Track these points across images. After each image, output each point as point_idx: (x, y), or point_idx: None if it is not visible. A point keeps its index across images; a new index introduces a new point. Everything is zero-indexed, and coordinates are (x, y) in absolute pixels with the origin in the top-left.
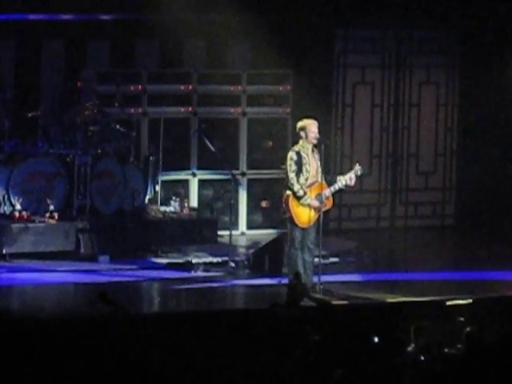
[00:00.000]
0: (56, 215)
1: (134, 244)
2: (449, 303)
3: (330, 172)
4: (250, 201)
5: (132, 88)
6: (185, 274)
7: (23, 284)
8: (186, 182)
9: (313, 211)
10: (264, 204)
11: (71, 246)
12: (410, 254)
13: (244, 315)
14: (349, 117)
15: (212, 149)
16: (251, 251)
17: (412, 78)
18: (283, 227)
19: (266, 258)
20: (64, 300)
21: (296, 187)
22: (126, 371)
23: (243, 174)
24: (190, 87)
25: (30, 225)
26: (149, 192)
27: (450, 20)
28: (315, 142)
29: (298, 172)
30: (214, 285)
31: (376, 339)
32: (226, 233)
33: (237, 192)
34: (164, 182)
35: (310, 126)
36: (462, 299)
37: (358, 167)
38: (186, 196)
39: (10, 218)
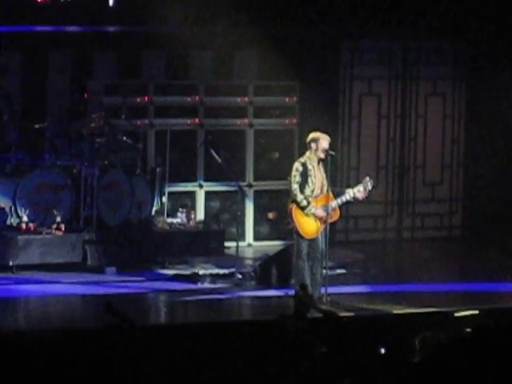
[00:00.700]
0: (63, 227)
1: (140, 255)
2: (456, 314)
3: (337, 184)
4: (256, 212)
5: (139, 100)
6: (191, 286)
7: (30, 296)
8: (192, 194)
9: (318, 222)
10: (271, 215)
11: (78, 257)
12: (416, 265)
13: (251, 327)
14: (355, 128)
15: (218, 160)
16: (258, 263)
17: (419, 90)
18: (290, 238)
19: (274, 269)
20: (71, 312)
21: (299, 197)
22: (132, 383)
23: (250, 186)
24: (197, 99)
25: (37, 236)
26: (155, 203)
27: (456, 32)
28: (323, 156)
29: (304, 183)
30: (221, 296)
31: (383, 350)
32: (232, 244)
33: (243, 203)
34: (171, 194)
35: (322, 140)
36: (469, 310)
37: (368, 180)
38: (192, 207)
39: (16, 229)
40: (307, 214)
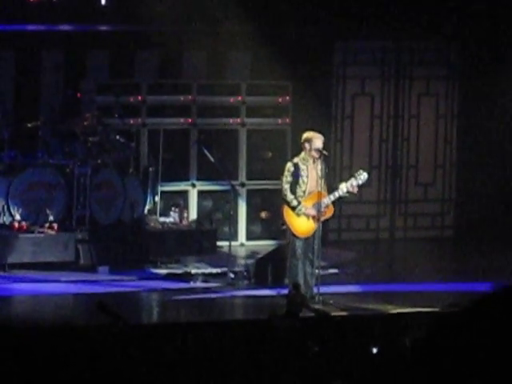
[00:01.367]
0: (55, 226)
1: (133, 255)
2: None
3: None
4: (249, 212)
5: (132, 99)
6: (184, 285)
7: (22, 294)
8: (185, 193)
9: (311, 220)
10: (263, 215)
11: (70, 256)
12: (409, 265)
13: (243, 326)
14: (348, 128)
15: (211, 159)
16: (251, 262)
17: (411, 90)
18: (283, 238)
19: (268, 268)
20: (63, 310)
21: (289, 198)
22: (124, 382)
23: (242, 185)
24: (190, 98)
25: (30, 235)
26: (148, 203)
27: (449, 32)
28: (317, 156)
29: (295, 184)
30: (214, 295)
31: (375, 350)
32: (225, 243)
33: (236, 203)
34: (163, 193)
35: (316, 140)
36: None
37: (361, 173)
38: (185, 207)
39: (9, 228)
40: (298, 214)
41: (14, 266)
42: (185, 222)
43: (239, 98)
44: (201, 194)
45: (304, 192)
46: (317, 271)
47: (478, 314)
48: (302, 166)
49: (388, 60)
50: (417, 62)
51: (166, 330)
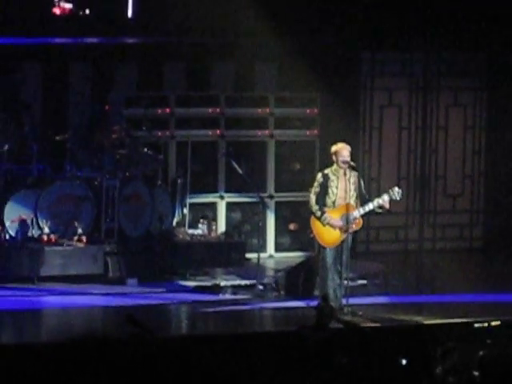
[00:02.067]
0: (84, 238)
1: (161, 267)
2: (477, 325)
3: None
4: (277, 223)
5: (160, 111)
6: (213, 297)
7: (52, 307)
8: (213, 205)
9: (338, 231)
10: (292, 226)
11: (99, 269)
12: (438, 276)
13: (272, 338)
14: (376, 139)
15: (240, 171)
16: (279, 274)
17: (439, 101)
18: (311, 249)
19: (298, 280)
20: (92, 323)
21: (314, 208)
22: None
23: (271, 197)
24: (218, 110)
25: (58, 248)
26: (177, 215)
27: (477, 42)
28: (344, 166)
29: (325, 194)
30: (242, 308)
31: (404, 361)
32: (254, 255)
33: (265, 215)
34: (192, 205)
35: (341, 150)
36: (490, 321)
37: (396, 191)
38: (213, 219)
39: (38, 241)
40: (323, 225)
41: (43, 279)
42: (213, 234)
43: (267, 110)
44: (229, 205)
45: (334, 203)
46: (345, 282)
47: None
48: (332, 177)
49: (415, 71)
50: (444, 73)
51: (195, 343)
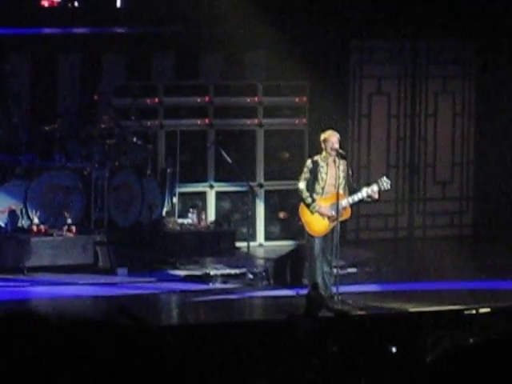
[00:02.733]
0: (74, 228)
1: (151, 256)
2: (467, 312)
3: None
4: (267, 212)
5: (148, 101)
6: (203, 286)
7: (41, 298)
8: (203, 194)
9: (326, 220)
10: (281, 215)
11: (89, 259)
12: (427, 263)
13: (262, 327)
14: (365, 127)
15: (229, 160)
16: (270, 262)
17: (428, 88)
18: (301, 238)
19: (287, 268)
20: (83, 313)
21: (304, 194)
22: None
23: (260, 186)
24: (207, 99)
25: (48, 238)
26: (166, 204)
27: (465, 30)
28: (333, 153)
29: (314, 180)
30: (232, 297)
31: (394, 349)
32: (243, 244)
33: (254, 203)
34: (181, 195)
35: (329, 137)
36: (480, 308)
37: (384, 180)
38: (203, 208)
39: (28, 231)
40: (312, 212)
41: (32, 270)
42: (203, 224)
43: (256, 99)
44: (219, 195)
45: (322, 189)
46: (335, 271)
47: None
48: (321, 163)
49: (404, 59)
50: (433, 61)
51: (185, 332)
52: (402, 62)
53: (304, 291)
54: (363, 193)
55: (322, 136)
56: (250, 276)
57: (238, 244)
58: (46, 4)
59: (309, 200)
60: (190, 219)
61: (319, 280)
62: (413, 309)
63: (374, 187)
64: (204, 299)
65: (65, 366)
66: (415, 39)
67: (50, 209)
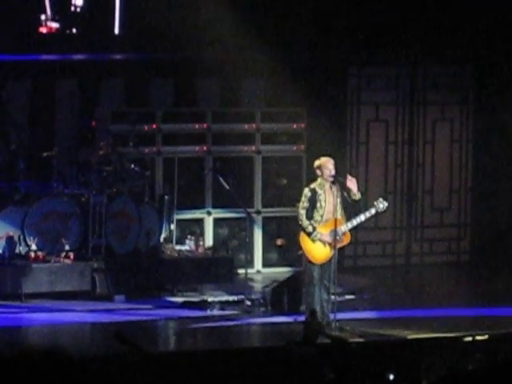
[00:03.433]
0: (71, 255)
1: (149, 283)
2: (465, 339)
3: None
4: (265, 239)
5: (146, 127)
6: (201, 313)
7: (39, 324)
8: (201, 221)
9: (328, 247)
10: (279, 242)
11: (87, 285)
12: (425, 290)
13: (260, 353)
14: (363, 154)
15: (227, 187)
16: (267, 289)
17: (426, 115)
18: (299, 265)
19: (285, 295)
20: (80, 340)
21: (305, 223)
22: None
23: (258, 212)
24: (205, 126)
25: (46, 265)
26: (164, 231)
27: (463, 56)
28: (330, 179)
29: (313, 209)
30: (230, 323)
31: (391, 376)
32: (241, 271)
33: (252, 230)
34: (179, 221)
35: (326, 163)
36: (478, 335)
37: (381, 201)
38: (201, 235)
39: (25, 258)
40: (314, 241)
41: (30, 296)
42: (201, 250)
43: (254, 126)
44: (216, 221)
45: (322, 216)
46: (333, 297)
47: None
48: (319, 191)
49: (402, 85)
50: (431, 88)
51: (183, 358)
52: (399, 88)
53: (302, 318)
54: (361, 217)
55: (317, 162)
56: (248, 303)
57: (236, 271)
58: (44, 31)
59: (310, 229)
60: (188, 246)
61: (317, 307)
62: (411, 336)
63: (372, 211)
64: (202, 326)
65: None
66: (413, 66)
67: (48, 235)
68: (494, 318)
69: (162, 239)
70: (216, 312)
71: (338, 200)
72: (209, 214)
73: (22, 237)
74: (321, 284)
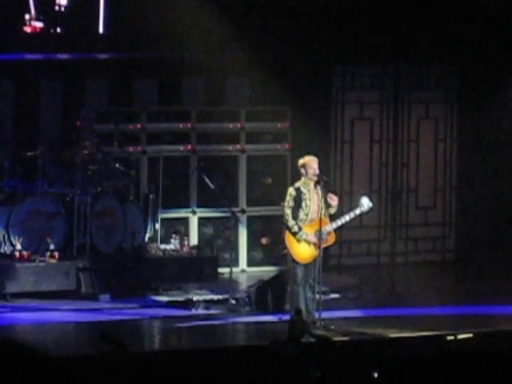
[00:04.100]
0: (56, 254)
1: (134, 282)
2: (449, 338)
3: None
4: (249, 238)
5: (131, 127)
6: (185, 312)
7: (24, 324)
8: (185, 220)
9: (313, 247)
10: (264, 241)
11: (72, 285)
12: (410, 289)
13: (245, 352)
14: (348, 153)
15: (211, 186)
16: (252, 288)
17: (410, 114)
18: (284, 264)
19: (269, 294)
20: (65, 339)
21: (290, 223)
22: None
23: (243, 211)
24: (189, 125)
25: (31, 264)
26: (149, 230)
27: (448, 56)
28: (315, 178)
29: (298, 208)
30: (215, 322)
31: (376, 375)
32: (226, 270)
33: (237, 229)
34: (164, 220)
35: (310, 163)
36: (463, 334)
37: (365, 201)
38: (185, 234)
39: (10, 257)
40: (299, 240)
41: (15, 296)
42: (186, 249)
43: (238, 125)
44: (201, 220)
45: (307, 215)
46: (318, 296)
47: None
48: (303, 190)
49: (387, 84)
50: (415, 86)
51: (168, 357)
52: (384, 87)
53: (287, 317)
54: (346, 217)
55: (301, 161)
56: (233, 302)
57: (221, 270)
58: (28, 30)
59: (296, 228)
60: (173, 245)
61: (302, 306)
62: (395, 334)
63: (357, 211)
64: (186, 325)
65: None
66: (398, 65)
67: (33, 235)
68: (479, 316)
69: (146, 238)
70: (201, 311)
71: (322, 200)
72: (193, 213)
73: (6, 236)
74: (305, 283)
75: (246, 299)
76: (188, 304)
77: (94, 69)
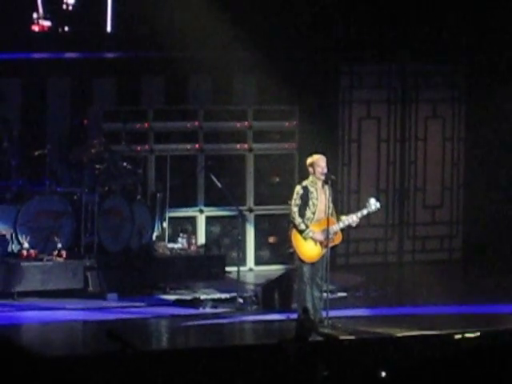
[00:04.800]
0: (64, 253)
1: (141, 281)
2: (456, 337)
3: (338, 207)
4: (257, 237)
5: (138, 125)
6: (193, 311)
7: (32, 322)
8: (193, 219)
9: (319, 246)
10: (271, 240)
11: (79, 283)
12: (417, 288)
13: (252, 351)
14: (355, 152)
15: (219, 185)
16: (259, 287)
17: (418, 113)
18: (291, 263)
19: (276, 293)
20: (72, 338)
21: (297, 221)
22: None
23: (250, 210)
24: (197, 124)
25: (38, 263)
26: (156, 229)
27: (455, 54)
28: (322, 177)
29: (305, 206)
30: (223, 321)
31: (383, 374)
32: (233, 269)
33: (244, 228)
34: (171, 219)
35: (318, 161)
36: (470, 332)
37: (372, 202)
38: (193, 232)
39: (18, 256)
40: (306, 238)
41: (22, 294)
42: (193, 248)
43: (246, 124)
44: (209, 219)
45: (314, 214)
46: (325, 295)
47: None
48: (311, 189)
49: (394, 83)
50: (423, 85)
51: (176, 356)
52: (391, 86)
53: (294, 316)
54: (353, 217)
55: (309, 160)
56: (240, 300)
57: (228, 268)
58: (36, 29)
59: (302, 226)
60: (180, 244)
61: (309, 304)
62: (402, 333)
63: (364, 211)
64: (194, 324)
65: None
66: (405, 64)
67: (40, 233)
68: (487, 315)
69: (154, 237)
70: (208, 310)
71: (330, 199)
72: (201, 211)
73: (14, 235)
74: (312, 282)
75: (254, 298)
76: (195, 303)
77: (102, 68)
